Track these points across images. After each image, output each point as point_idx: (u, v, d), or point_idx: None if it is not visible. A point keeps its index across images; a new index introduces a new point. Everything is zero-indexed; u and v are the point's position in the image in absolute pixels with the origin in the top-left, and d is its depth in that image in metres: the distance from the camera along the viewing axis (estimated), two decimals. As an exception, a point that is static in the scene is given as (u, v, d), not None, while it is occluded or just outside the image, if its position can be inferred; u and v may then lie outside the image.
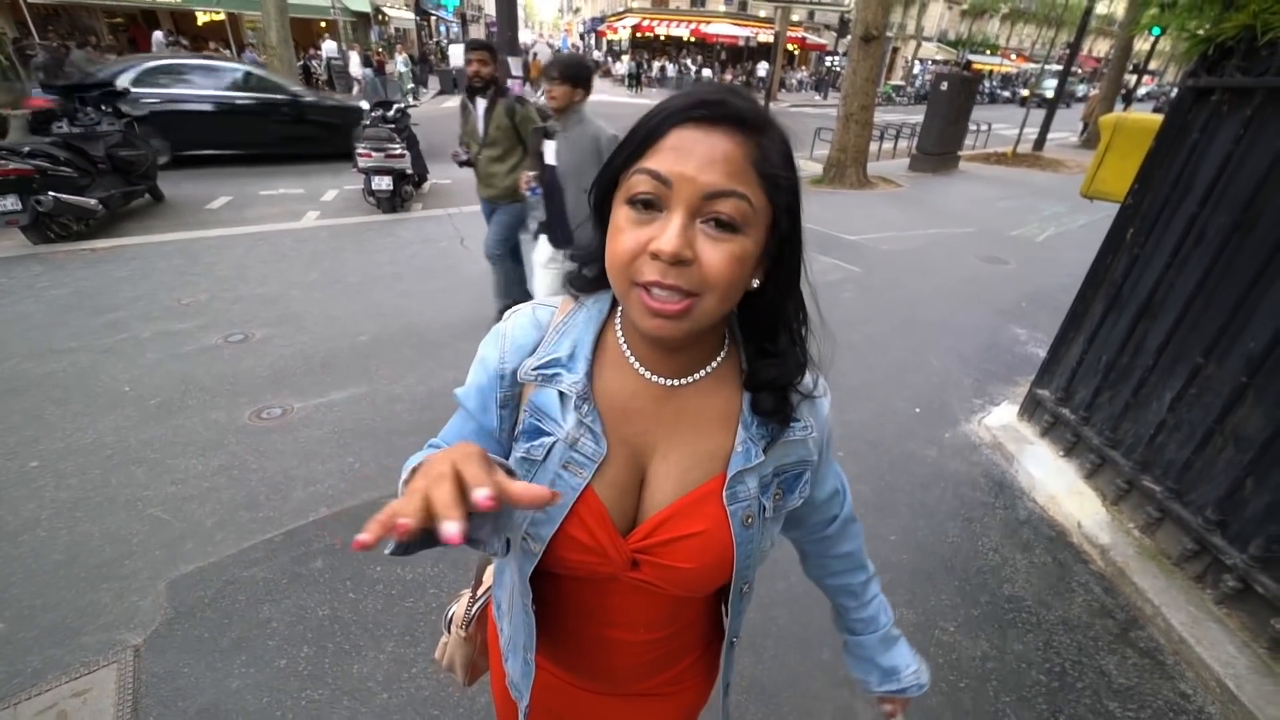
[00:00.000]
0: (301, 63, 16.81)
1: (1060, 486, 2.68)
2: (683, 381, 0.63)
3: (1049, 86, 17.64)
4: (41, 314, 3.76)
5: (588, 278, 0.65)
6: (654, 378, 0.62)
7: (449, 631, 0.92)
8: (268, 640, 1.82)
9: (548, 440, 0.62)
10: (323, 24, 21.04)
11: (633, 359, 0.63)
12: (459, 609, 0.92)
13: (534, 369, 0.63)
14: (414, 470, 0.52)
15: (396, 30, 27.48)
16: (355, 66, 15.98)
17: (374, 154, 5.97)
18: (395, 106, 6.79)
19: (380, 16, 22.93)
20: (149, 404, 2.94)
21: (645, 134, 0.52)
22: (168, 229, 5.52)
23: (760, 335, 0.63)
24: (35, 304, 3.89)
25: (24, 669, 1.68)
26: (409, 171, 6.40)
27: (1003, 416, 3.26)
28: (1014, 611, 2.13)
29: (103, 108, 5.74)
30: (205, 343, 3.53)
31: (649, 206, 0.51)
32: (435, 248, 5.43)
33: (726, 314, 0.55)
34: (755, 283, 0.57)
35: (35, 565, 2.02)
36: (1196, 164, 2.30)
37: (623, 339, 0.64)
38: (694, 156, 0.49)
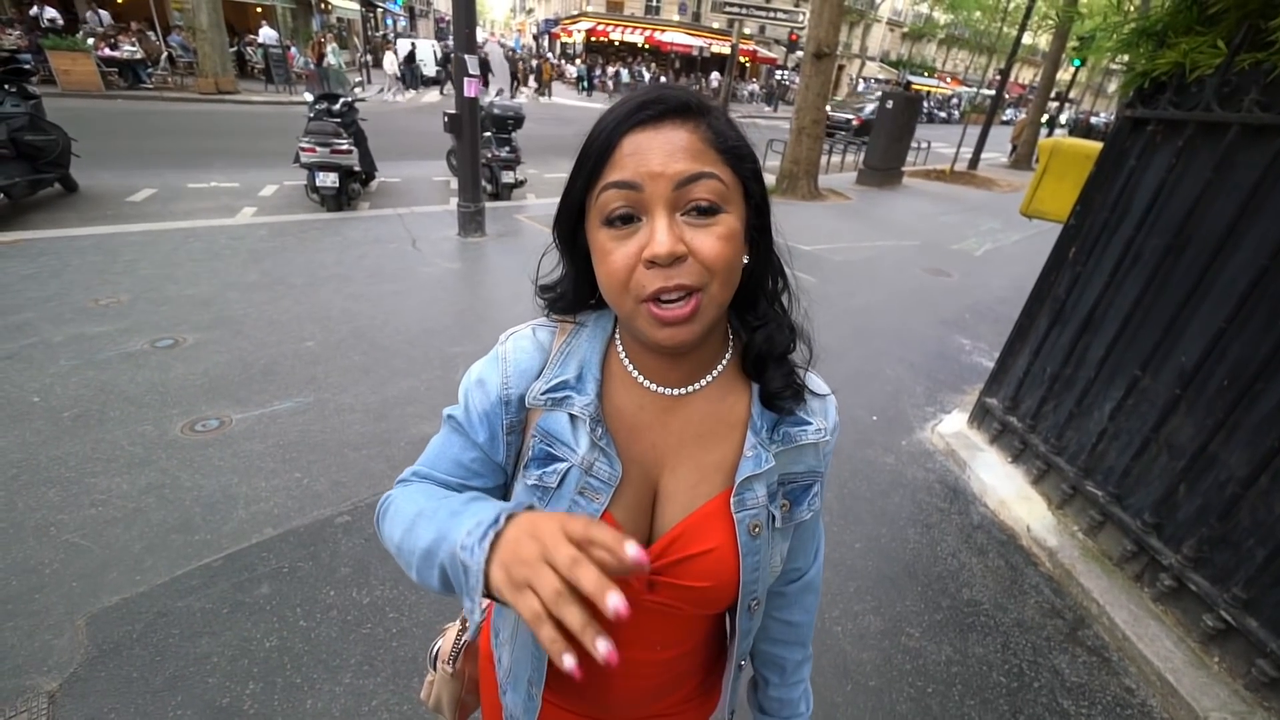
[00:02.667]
0: (235, 49, 15.90)
1: (1009, 492, 2.81)
2: (688, 390, 0.61)
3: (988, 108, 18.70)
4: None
5: (569, 299, 0.64)
6: (659, 389, 0.61)
7: (434, 669, 0.85)
8: (207, 678, 1.66)
9: (561, 466, 0.60)
10: (259, 9, 19.98)
11: (636, 372, 0.61)
12: (445, 644, 0.86)
13: (543, 393, 0.60)
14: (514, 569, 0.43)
15: (340, 20, 26.40)
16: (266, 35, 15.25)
17: (318, 149, 5.68)
18: (341, 100, 6.49)
19: (323, 4, 21.96)
20: (62, 416, 2.66)
21: (598, 151, 0.50)
22: (82, 222, 5.06)
23: (744, 310, 0.62)
24: None
25: (-90, 725, 1.47)
26: (356, 168, 6.13)
27: (954, 424, 3.39)
28: (973, 615, 2.20)
29: (5, 87, 5.20)
30: (128, 348, 3.24)
31: (627, 221, 0.49)
32: (385, 249, 5.21)
33: (731, 297, 0.54)
34: (745, 258, 0.56)
35: (-76, 602, 1.77)
36: (1134, 189, 2.46)
37: (624, 354, 0.62)
38: (654, 154, 0.48)
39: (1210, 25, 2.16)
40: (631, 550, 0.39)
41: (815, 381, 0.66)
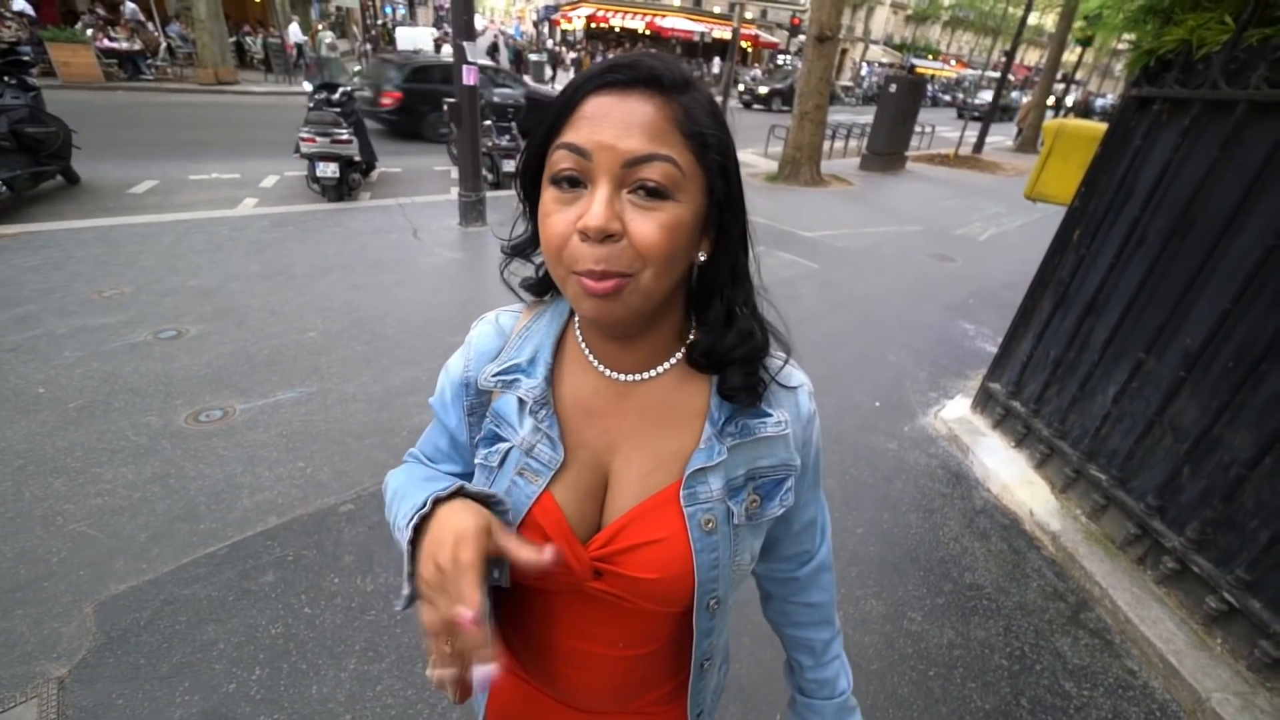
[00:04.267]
0: (234, 39, 15.79)
1: (1013, 476, 2.80)
2: (643, 376, 0.60)
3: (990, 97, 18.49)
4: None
5: (540, 280, 0.64)
6: (614, 374, 0.60)
7: None
8: (214, 664, 1.68)
9: (503, 446, 0.61)
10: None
11: (591, 356, 0.60)
12: None
13: (494, 375, 0.61)
14: (417, 543, 0.52)
15: (338, 9, 26.18)
16: (294, 34, 15.24)
17: (318, 139, 5.65)
18: (341, 90, 6.45)
19: (321, -7, 21.77)
20: (68, 407, 2.68)
21: (560, 107, 0.49)
22: (84, 214, 5.06)
23: (699, 309, 0.60)
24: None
25: (-76, 710, 1.50)
26: (357, 158, 6.10)
27: (957, 409, 3.38)
28: (975, 599, 2.21)
29: (5, 79, 5.19)
30: (132, 339, 3.25)
31: (574, 184, 0.48)
32: (386, 239, 5.20)
33: (668, 289, 0.52)
34: (703, 255, 0.54)
35: (-65, 591, 1.80)
36: (1139, 170, 2.43)
37: (581, 338, 0.61)
38: (610, 122, 0.46)
39: (1218, 1, 2.12)
40: (466, 611, 0.44)
41: (788, 373, 0.63)
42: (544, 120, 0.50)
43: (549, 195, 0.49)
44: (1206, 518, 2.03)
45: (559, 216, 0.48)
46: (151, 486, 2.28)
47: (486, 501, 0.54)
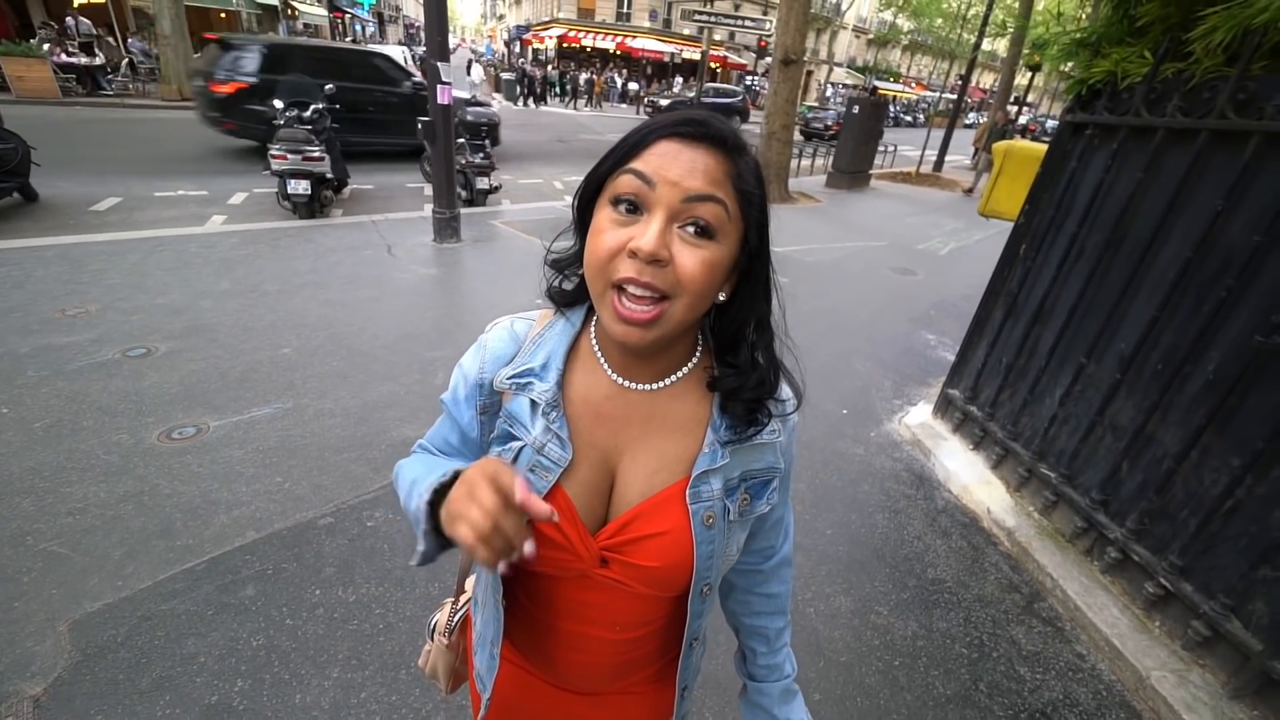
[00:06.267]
0: (199, 55, 15.55)
1: (971, 477, 2.95)
2: (654, 386, 0.66)
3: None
4: None
5: (567, 291, 0.69)
6: (626, 383, 0.65)
7: (432, 640, 0.91)
8: (195, 677, 1.68)
9: (516, 445, 0.66)
10: (223, 14, 19.61)
11: (605, 365, 0.66)
12: (441, 617, 0.92)
13: (508, 378, 0.66)
14: (449, 485, 0.57)
15: (306, 26, 26.03)
16: None
17: (289, 156, 5.64)
18: (312, 107, 6.45)
19: (290, 10, 21.64)
20: (33, 427, 2.63)
21: (633, 143, 0.55)
22: (44, 232, 4.94)
23: (724, 348, 0.67)
24: None
25: (-109, 734, 1.47)
26: (329, 175, 6.09)
27: (920, 415, 3.54)
28: (937, 592, 2.32)
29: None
30: (99, 358, 3.20)
31: (632, 209, 0.54)
32: (360, 255, 5.20)
33: (694, 322, 0.58)
34: (722, 296, 0.60)
35: (-102, 615, 1.76)
36: (1075, 189, 2.63)
37: (597, 345, 0.67)
38: (678, 163, 0.53)
39: (1139, 37, 2.34)
40: (519, 492, 0.49)
41: (782, 391, 0.70)
42: (613, 151, 0.57)
43: (605, 214, 0.55)
44: (1144, 509, 2.19)
45: (612, 234, 0.54)
46: (124, 505, 2.26)
47: None
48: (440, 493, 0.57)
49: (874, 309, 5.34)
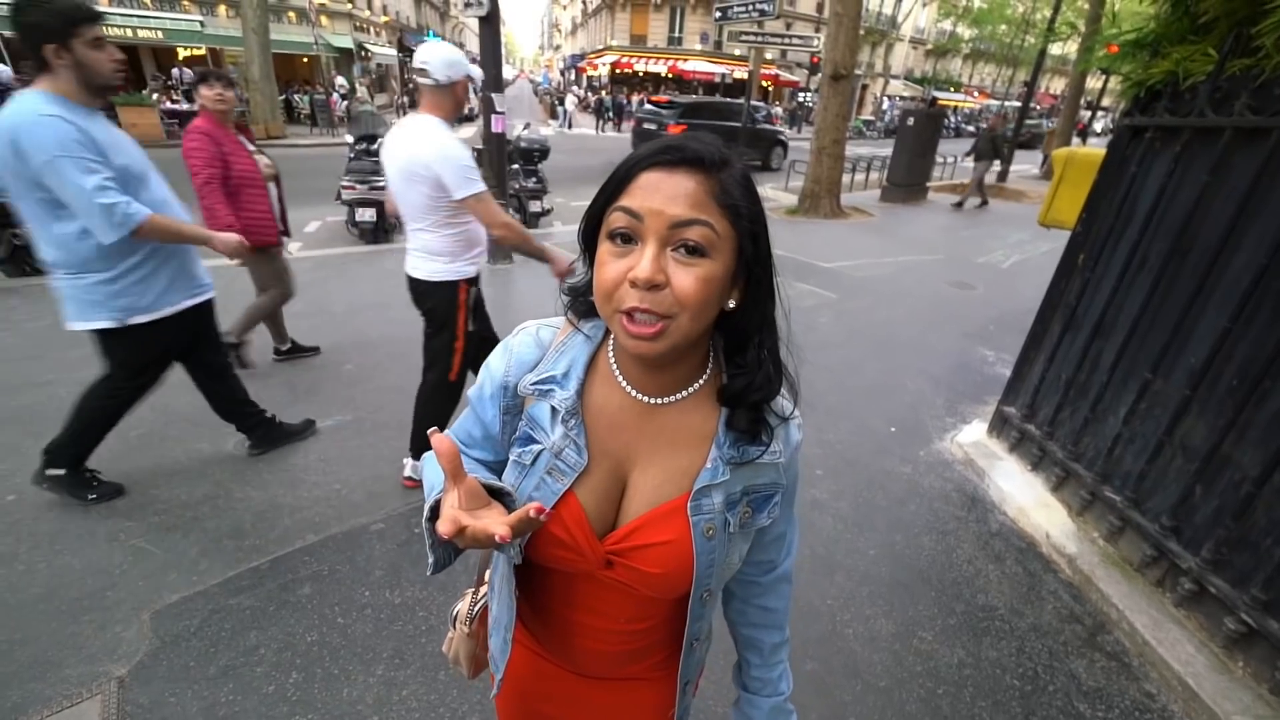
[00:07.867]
0: (283, 97, 17.01)
1: (1029, 499, 2.79)
2: (665, 400, 0.69)
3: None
4: (18, 347, 3.72)
5: (588, 303, 0.72)
6: (640, 396, 0.69)
7: (454, 627, 0.97)
8: (255, 667, 1.81)
9: (535, 448, 0.70)
10: (304, 59, 21.34)
11: (621, 378, 0.69)
12: (463, 606, 0.97)
13: (532, 384, 0.71)
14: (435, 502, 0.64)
15: (379, 66, 27.92)
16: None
17: (358, 186, 6.07)
18: (378, 140, 6.92)
19: (364, 53, 23.33)
20: (130, 436, 2.91)
21: (619, 178, 0.59)
22: (148, 261, 5.49)
23: (733, 350, 0.69)
24: (12, 337, 3.85)
25: (3, 704, 1.66)
26: (393, 203, 6.49)
27: (973, 434, 3.39)
28: (988, 620, 2.21)
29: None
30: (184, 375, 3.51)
31: (626, 240, 0.58)
32: (419, 277, 5.48)
33: (701, 331, 0.61)
34: (731, 303, 0.63)
35: (13, 599, 1.99)
36: (1136, 195, 2.50)
37: (614, 360, 0.71)
38: (660, 193, 0.56)
39: (1201, 34, 2.22)
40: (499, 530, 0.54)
41: (783, 405, 0.72)
42: (604, 188, 0.60)
43: (605, 248, 0.59)
44: (1221, 537, 2.02)
45: (612, 266, 0.58)
46: (202, 507, 2.47)
47: (498, 494, 0.65)
48: (436, 509, 0.63)
49: (927, 324, 5.16)
